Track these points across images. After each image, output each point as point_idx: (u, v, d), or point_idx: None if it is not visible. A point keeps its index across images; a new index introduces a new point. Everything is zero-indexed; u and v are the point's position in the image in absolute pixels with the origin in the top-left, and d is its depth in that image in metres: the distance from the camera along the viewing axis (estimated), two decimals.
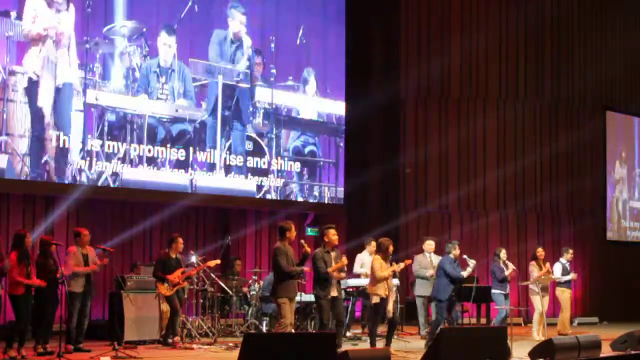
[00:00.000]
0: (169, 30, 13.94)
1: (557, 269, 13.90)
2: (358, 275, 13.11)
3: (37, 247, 10.69)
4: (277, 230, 10.20)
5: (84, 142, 12.77)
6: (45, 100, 12.40)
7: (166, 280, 11.41)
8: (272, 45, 15.46)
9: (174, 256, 11.67)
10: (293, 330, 10.18)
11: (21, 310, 9.76)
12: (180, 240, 11.76)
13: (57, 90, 12.56)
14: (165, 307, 11.75)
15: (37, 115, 12.28)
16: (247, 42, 14.94)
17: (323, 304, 10.09)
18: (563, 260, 13.91)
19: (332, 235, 10.28)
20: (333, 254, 10.30)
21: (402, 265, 11.13)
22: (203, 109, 14.36)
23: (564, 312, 13.95)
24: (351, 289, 12.94)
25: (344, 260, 10.37)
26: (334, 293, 10.18)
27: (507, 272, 13.00)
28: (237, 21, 14.81)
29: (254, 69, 15.19)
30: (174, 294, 11.48)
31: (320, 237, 10.84)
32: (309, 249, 10.04)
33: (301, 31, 15.94)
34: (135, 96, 13.48)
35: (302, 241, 10.20)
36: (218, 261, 12.27)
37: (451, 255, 11.73)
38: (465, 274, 11.78)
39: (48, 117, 12.42)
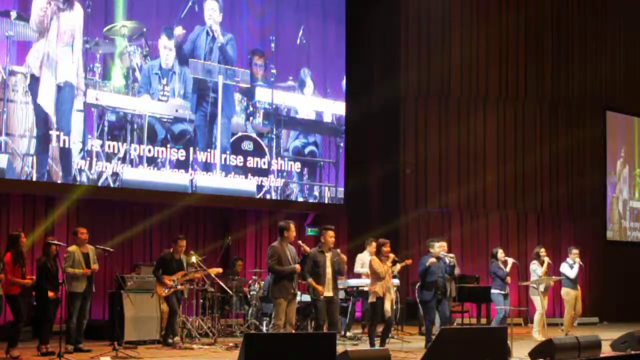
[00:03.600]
0: (169, 33, 13.94)
1: (566, 269, 13.80)
2: (359, 275, 13.11)
3: (38, 247, 10.67)
4: (277, 228, 10.16)
5: (84, 142, 12.77)
6: (45, 100, 12.39)
7: (163, 282, 11.41)
8: (272, 45, 15.46)
9: (177, 257, 11.66)
10: (293, 331, 10.16)
11: (19, 310, 9.77)
12: (182, 242, 11.71)
13: (58, 90, 12.57)
14: (166, 307, 11.75)
15: (37, 115, 12.28)
16: (218, 32, 14.77)
17: (317, 305, 10.08)
18: (570, 260, 13.83)
19: (330, 236, 10.22)
20: (329, 254, 10.24)
21: (398, 266, 11.11)
22: (203, 109, 14.36)
23: (568, 312, 13.87)
24: (351, 289, 12.94)
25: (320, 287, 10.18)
26: (328, 293, 10.13)
27: (508, 269, 12.98)
28: (208, 13, 14.64)
29: (254, 69, 15.19)
30: (172, 294, 11.47)
31: (318, 236, 10.81)
32: (308, 249, 10.01)
33: (301, 31, 15.95)
34: (135, 96, 13.49)
35: (300, 242, 10.16)
36: (220, 270, 12.28)
37: (430, 255, 11.65)
38: (430, 261, 11.53)
39: (48, 117, 12.41)
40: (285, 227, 9.93)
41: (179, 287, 11.57)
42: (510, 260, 13.10)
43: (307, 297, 12.26)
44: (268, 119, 15.32)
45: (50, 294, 10.13)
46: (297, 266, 9.78)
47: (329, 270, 10.17)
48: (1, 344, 9.95)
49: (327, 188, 16.12)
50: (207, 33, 14.51)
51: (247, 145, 14.91)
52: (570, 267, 13.70)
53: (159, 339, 11.56)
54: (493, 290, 12.99)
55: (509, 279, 13.05)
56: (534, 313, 13.50)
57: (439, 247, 11.67)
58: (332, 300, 10.21)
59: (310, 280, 10.06)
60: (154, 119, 13.67)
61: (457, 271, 12.94)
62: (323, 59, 16.32)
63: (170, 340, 11.36)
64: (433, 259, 11.42)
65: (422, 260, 11.69)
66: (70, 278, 10.32)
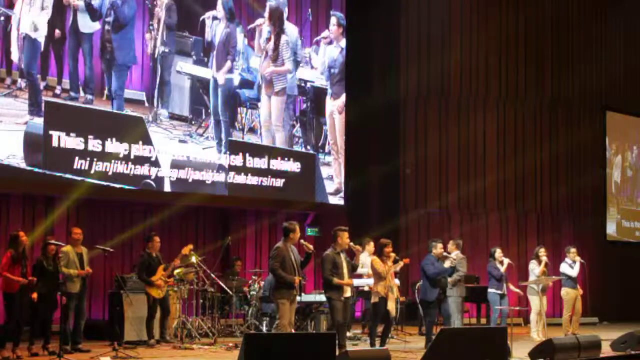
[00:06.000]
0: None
1: (565, 268, 13.79)
2: (359, 276, 13.10)
3: (37, 247, 10.66)
4: (282, 229, 10.09)
5: (84, 142, 12.73)
6: (46, 99, 12.37)
7: (155, 284, 11.44)
8: (272, 44, 15.44)
9: (154, 255, 11.72)
10: (293, 330, 10.17)
11: (14, 309, 9.76)
12: (157, 238, 11.86)
13: (60, 89, 12.56)
14: (167, 305, 11.80)
15: (37, 115, 12.26)
16: (220, 36, 14.73)
17: (336, 305, 10.07)
18: (568, 260, 13.83)
19: (346, 238, 10.29)
20: (343, 255, 10.30)
21: (401, 263, 11.15)
22: (202, 108, 14.35)
23: (567, 312, 13.87)
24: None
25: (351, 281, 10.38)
26: (347, 294, 10.20)
27: (502, 269, 12.99)
28: (207, 19, 14.61)
29: (254, 69, 15.18)
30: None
31: (327, 237, 10.81)
32: (310, 247, 9.97)
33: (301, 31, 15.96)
34: (135, 96, 13.47)
35: (302, 240, 10.13)
36: (191, 246, 12.21)
37: (432, 255, 11.72)
38: (447, 264, 11.67)
39: (48, 116, 12.38)
40: (291, 229, 9.85)
41: (169, 280, 11.66)
42: (506, 261, 13.11)
43: (307, 297, 12.29)
44: (268, 118, 15.29)
45: (33, 294, 10.02)
46: (297, 278, 9.73)
47: (345, 271, 10.20)
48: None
49: (327, 188, 16.10)
50: (205, 39, 14.49)
51: (247, 145, 14.89)
52: (570, 267, 13.70)
53: (158, 339, 11.58)
54: (489, 290, 13.06)
55: (510, 285, 13.06)
56: (531, 313, 13.53)
57: (441, 249, 11.79)
58: (348, 301, 10.27)
59: (336, 279, 10.07)
60: (154, 118, 13.65)
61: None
62: (323, 59, 16.31)
63: (167, 340, 11.43)
64: (452, 259, 11.54)
65: (427, 260, 11.71)
66: (65, 278, 10.31)
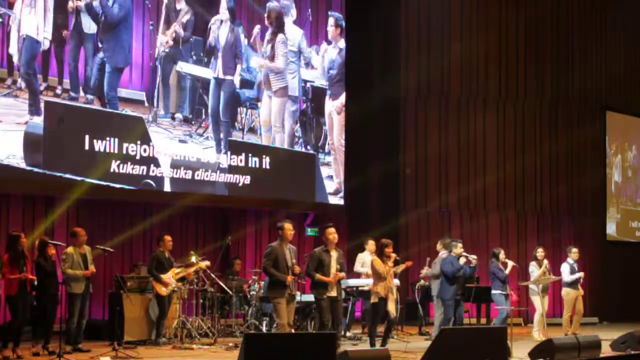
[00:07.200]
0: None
1: (565, 269, 13.80)
2: (359, 275, 13.11)
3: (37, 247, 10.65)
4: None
5: (85, 142, 12.72)
6: (46, 99, 12.36)
7: (163, 281, 11.48)
8: (270, 43, 15.43)
9: (167, 254, 11.76)
10: (293, 330, 10.16)
11: (17, 310, 9.77)
12: (168, 237, 11.91)
13: (60, 89, 12.55)
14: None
15: (37, 114, 12.25)
16: (218, 40, 14.79)
17: (321, 304, 10.05)
18: (570, 260, 13.83)
19: (329, 234, 10.19)
20: (334, 253, 10.21)
21: (402, 266, 11.15)
22: (202, 108, 14.35)
23: (567, 312, 13.88)
24: (351, 289, 12.94)
25: (340, 275, 10.23)
26: (332, 293, 10.11)
27: (507, 271, 13.00)
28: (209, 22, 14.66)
29: (253, 70, 15.18)
30: (167, 294, 11.57)
31: (320, 236, 10.83)
32: (298, 270, 9.98)
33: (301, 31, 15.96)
34: (135, 97, 13.47)
35: (294, 261, 10.06)
36: (208, 262, 12.28)
37: (453, 254, 11.75)
38: (462, 261, 11.67)
39: (48, 116, 12.36)
40: (280, 227, 9.96)
41: (177, 283, 11.67)
42: (510, 263, 13.10)
43: (307, 297, 12.28)
44: (268, 118, 15.29)
45: (33, 292, 10.00)
46: (289, 278, 9.73)
47: (333, 270, 10.14)
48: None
49: (327, 188, 16.10)
50: (208, 42, 14.48)
51: (247, 145, 14.88)
52: (571, 267, 13.71)
53: (153, 339, 11.61)
54: (494, 291, 13.01)
55: (512, 269, 13.09)
56: (534, 313, 13.52)
57: (461, 248, 11.80)
58: (336, 300, 10.20)
59: (318, 275, 10.02)
60: (155, 118, 13.65)
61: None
62: (323, 59, 16.31)
63: (161, 340, 11.43)
64: (463, 259, 11.57)
65: (446, 259, 11.71)
66: (69, 279, 10.31)
